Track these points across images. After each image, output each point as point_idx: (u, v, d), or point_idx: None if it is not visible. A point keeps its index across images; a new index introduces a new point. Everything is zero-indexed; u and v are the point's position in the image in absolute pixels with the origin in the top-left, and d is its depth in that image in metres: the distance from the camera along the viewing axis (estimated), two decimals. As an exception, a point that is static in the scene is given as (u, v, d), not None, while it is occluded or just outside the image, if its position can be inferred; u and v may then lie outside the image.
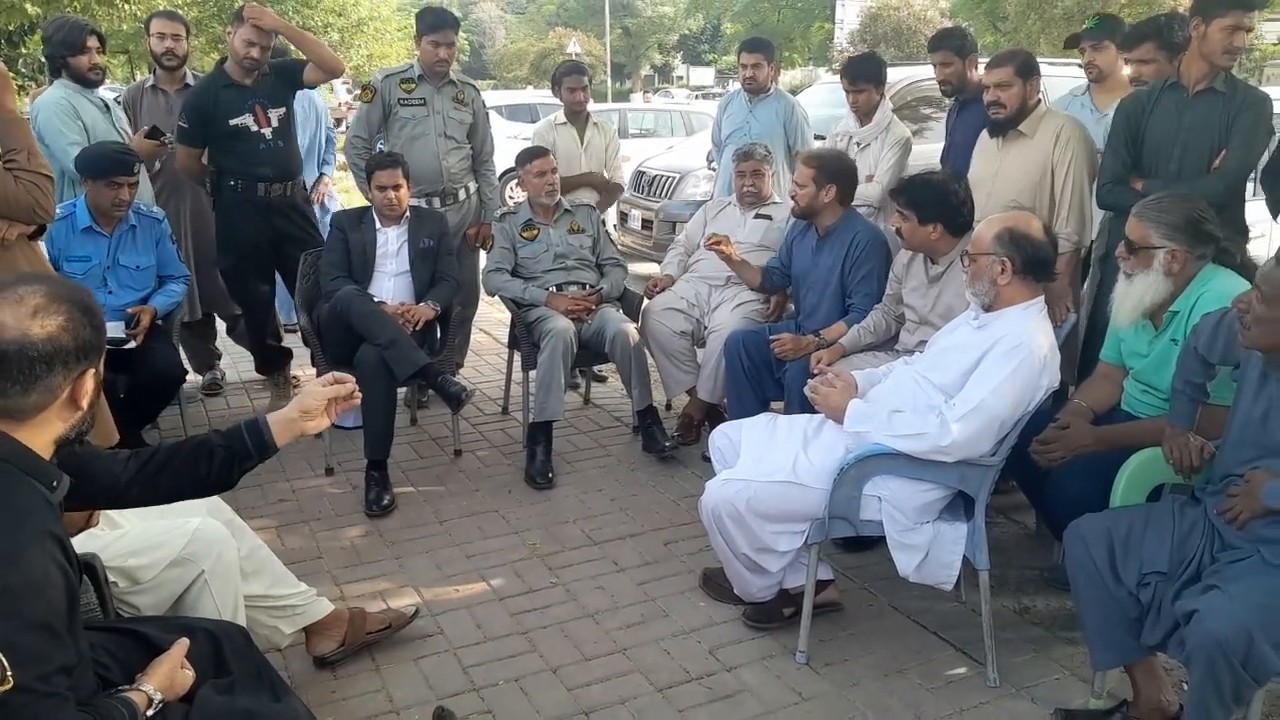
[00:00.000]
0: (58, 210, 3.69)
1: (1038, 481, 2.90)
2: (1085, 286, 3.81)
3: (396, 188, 4.01)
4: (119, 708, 1.51)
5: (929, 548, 2.60)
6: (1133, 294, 2.69)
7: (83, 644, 1.48)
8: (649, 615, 2.95)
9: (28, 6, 10.57)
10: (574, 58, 33.71)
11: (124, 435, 3.78)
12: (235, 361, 5.17)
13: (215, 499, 2.44)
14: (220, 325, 5.06)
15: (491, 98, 18.03)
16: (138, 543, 2.08)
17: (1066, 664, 2.69)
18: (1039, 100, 3.63)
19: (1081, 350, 3.61)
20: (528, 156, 4.31)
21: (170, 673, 1.64)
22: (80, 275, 3.70)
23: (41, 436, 1.48)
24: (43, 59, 10.79)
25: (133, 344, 3.66)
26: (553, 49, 34.89)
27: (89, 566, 1.90)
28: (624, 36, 41.37)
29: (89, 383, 1.51)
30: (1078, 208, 3.54)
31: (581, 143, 4.88)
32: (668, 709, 2.51)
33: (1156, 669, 2.37)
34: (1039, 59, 3.82)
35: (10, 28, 11.83)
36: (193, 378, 4.92)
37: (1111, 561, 2.29)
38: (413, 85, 4.43)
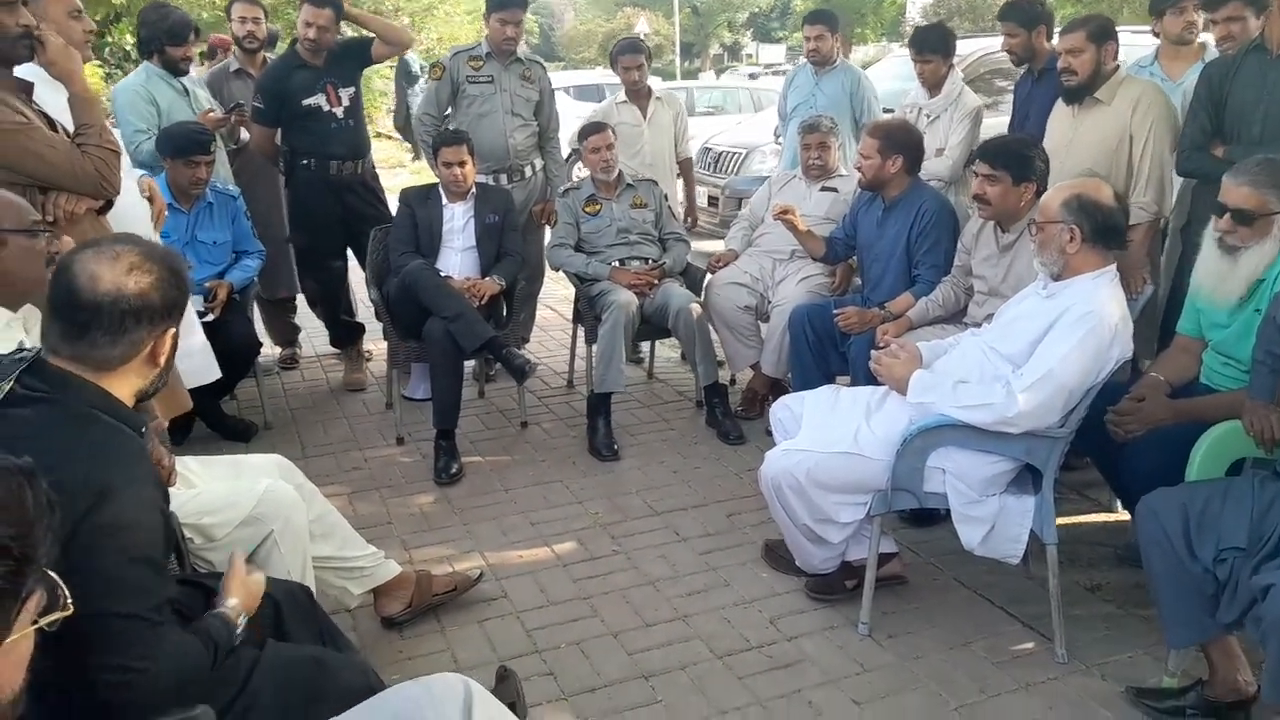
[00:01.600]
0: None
1: (1112, 456, 2.83)
2: (1164, 257, 3.69)
3: (462, 164, 4.06)
4: (218, 624, 1.61)
5: (995, 521, 2.56)
6: (1244, 267, 2.53)
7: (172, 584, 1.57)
8: (710, 584, 2.96)
9: (114, -2, 10.93)
10: (642, 37, 33.54)
11: (202, 405, 3.95)
12: (311, 336, 5.31)
13: (287, 462, 2.52)
14: (300, 300, 5.19)
15: (560, 78, 18.08)
16: (211, 502, 2.16)
17: (1140, 642, 2.63)
18: (1117, 66, 3.51)
19: (1161, 323, 3.50)
20: (585, 133, 4.33)
21: (241, 586, 1.73)
22: (163, 251, 3.84)
23: (124, 388, 1.55)
24: (128, 47, 11.16)
25: (210, 317, 3.78)
26: (621, 29, 34.76)
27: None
28: (693, 15, 41.02)
29: (168, 341, 1.59)
30: (1157, 177, 3.42)
31: (645, 118, 4.86)
32: (728, 675, 2.52)
33: (1233, 648, 2.30)
34: (1120, 28, 3.69)
35: (97, 18, 12.24)
36: (272, 351, 5.08)
37: (1186, 536, 2.22)
38: (480, 63, 4.47)
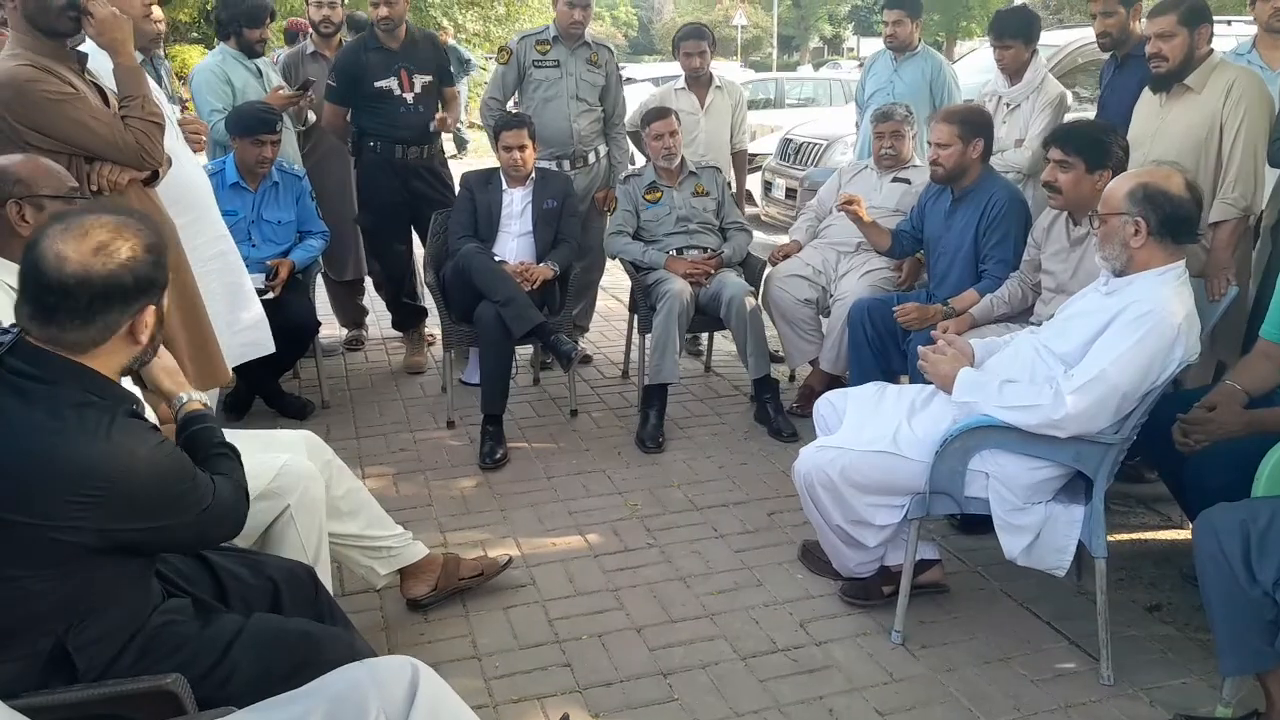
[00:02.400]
0: (208, 167, 3.93)
1: (1178, 468, 2.64)
2: (1254, 256, 3.43)
3: (522, 148, 4.04)
4: (206, 433, 1.77)
5: (1040, 530, 2.41)
6: None
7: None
8: (742, 583, 2.87)
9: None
10: (740, 29, 33.36)
11: (261, 382, 4.03)
12: (379, 319, 5.38)
13: (316, 439, 2.53)
14: (369, 282, 5.26)
15: (654, 69, 18.08)
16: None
17: (1197, 668, 2.45)
18: (1210, 51, 3.27)
19: (1247, 328, 3.26)
20: (649, 118, 4.25)
21: (165, 374, 1.85)
22: (228, 229, 3.92)
23: (106, 365, 1.54)
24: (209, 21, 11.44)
25: (271, 295, 3.85)
26: (719, 21, 34.56)
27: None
28: (793, 8, 40.49)
29: (149, 317, 1.55)
30: (1249, 170, 3.18)
31: (702, 106, 4.76)
32: (749, 677, 2.43)
33: (1294, 679, 2.11)
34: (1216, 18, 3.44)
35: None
36: (338, 332, 5.17)
37: (1246, 556, 2.04)
38: (547, 47, 4.44)
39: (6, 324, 1.55)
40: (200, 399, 1.86)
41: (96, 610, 1.49)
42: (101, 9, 2.49)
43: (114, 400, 1.52)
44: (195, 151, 3.48)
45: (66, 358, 1.49)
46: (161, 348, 1.84)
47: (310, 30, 4.98)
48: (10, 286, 1.80)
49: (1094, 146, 2.93)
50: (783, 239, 4.47)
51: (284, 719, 1.35)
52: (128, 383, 1.69)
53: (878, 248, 3.98)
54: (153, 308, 1.56)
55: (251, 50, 4.38)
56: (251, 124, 3.91)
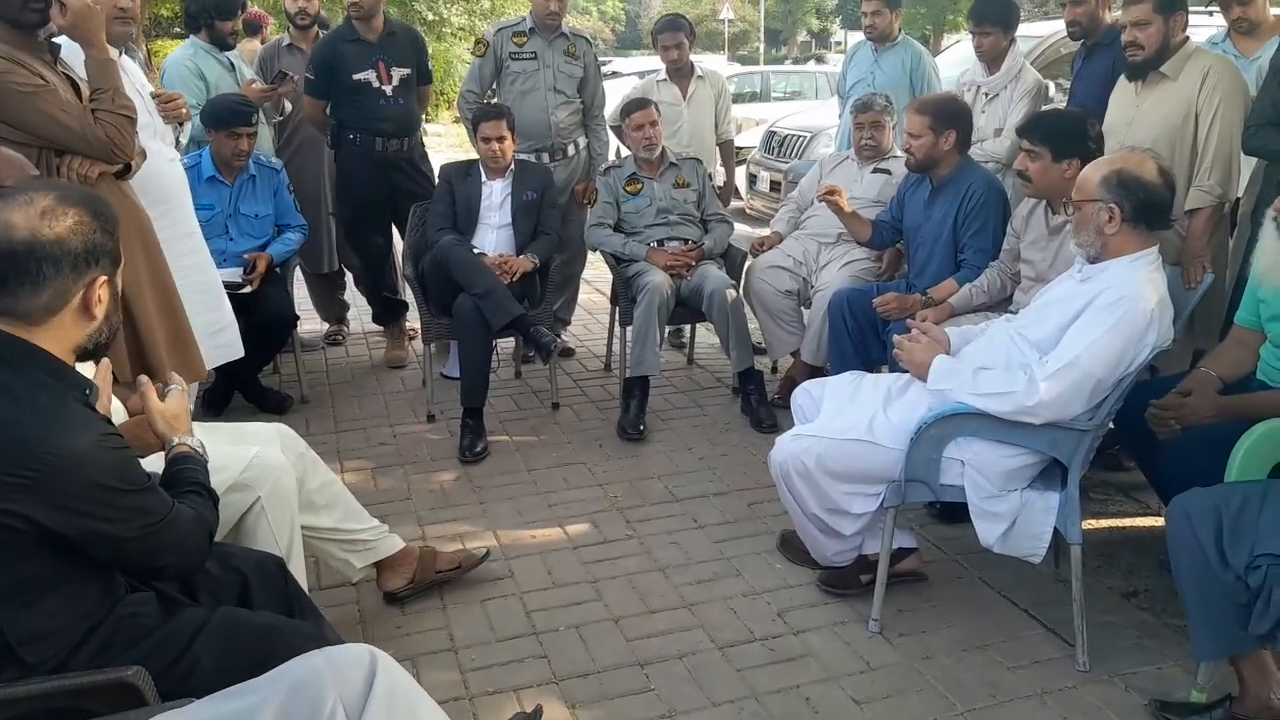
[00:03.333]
0: (184, 161, 3.90)
1: (1152, 454, 2.64)
2: (1232, 243, 3.44)
3: (500, 139, 4.01)
4: (190, 469, 1.73)
5: (1015, 517, 2.41)
6: None
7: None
8: (721, 573, 2.87)
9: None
10: (727, 24, 33.31)
11: (239, 377, 4.01)
12: (360, 313, 5.35)
13: (289, 431, 2.51)
14: (349, 277, 5.23)
15: (640, 63, 18.04)
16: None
17: (1172, 653, 2.45)
18: (1185, 39, 3.28)
19: (1226, 315, 3.27)
20: (628, 110, 4.23)
21: (162, 418, 1.78)
22: (204, 223, 3.88)
23: (59, 344, 1.52)
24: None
25: (248, 289, 3.82)
26: (706, 15, 34.52)
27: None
28: (781, 1, 40.49)
29: (101, 291, 1.54)
30: (1224, 157, 3.18)
31: (685, 97, 4.74)
32: (725, 667, 2.43)
33: (1266, 663, 2.12)
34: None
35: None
36: (319, 327, 5.14)
37: (1219, 541, 2.04)
38: (524, 39, 4.42)
39: None
40: (194, 444, 1.80)
41: (37, 602, 1.46)
42: (76, 1, 2.45)
43: (66, 384, 1.50)
44: (180, 124, 3.45)
45: (21, 339, 1.47)
46: (177, 391, 1.86)
47: (266, 23, 4.93)
48: None
49: (1060, 136, 2.93)
50: (767, 231, 4.46)
51: (241, 707, 1.33)
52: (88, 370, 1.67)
53: (858, 238, 3.98)
54: (105, 279, 1.54)
55: (223, 43, 4.35)
56: (226, 116, 3.88)
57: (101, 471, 1.45)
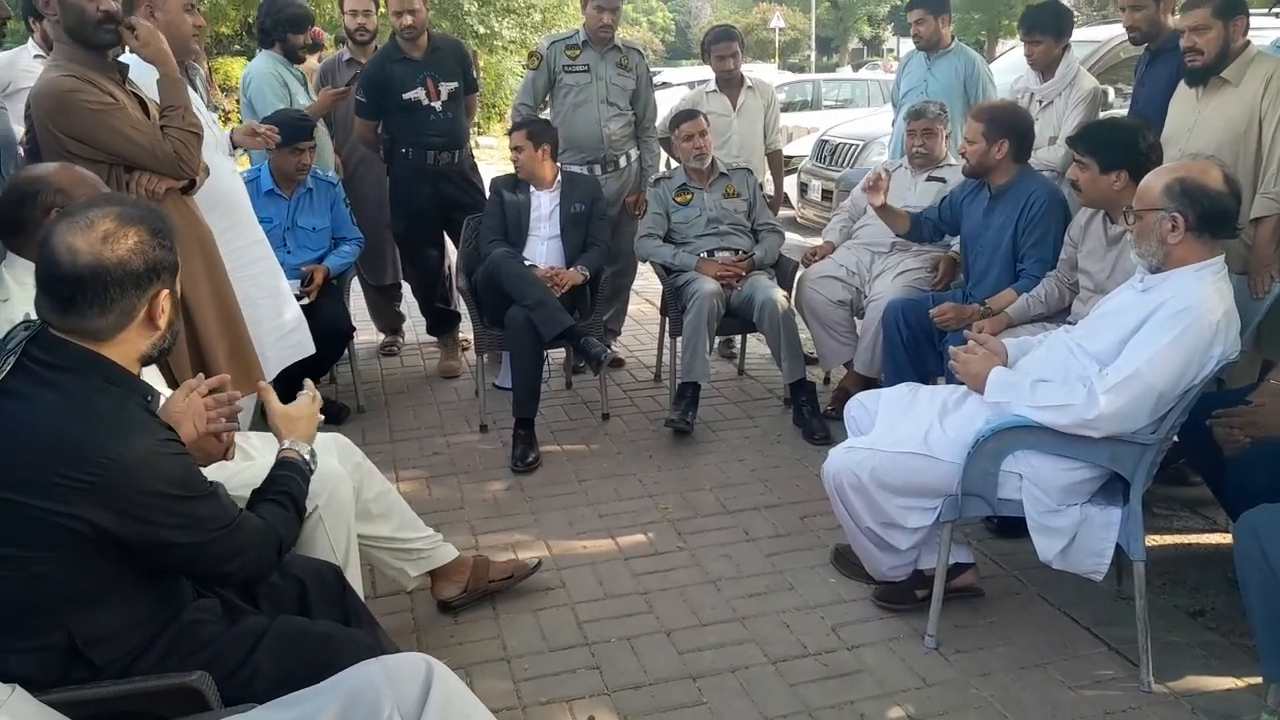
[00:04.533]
0: (244, 174, 4.00)
1: (1220, 470, 2.57)
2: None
3: (518, 149, 4.09)
4: (285, 477, 1.79)
5: (1075, 532, 2.36)
6: None
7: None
8: (773, 587, 2.85)
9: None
10: (778, 32, 33.20)
11: (295, 388, 4.07)
12: (416, 324, 5.42)
13: (346, 441, 2.56)
14: (406, 288, 5.30)
15: (690, 73, 18.07)
16: (260, 475, 2.19)
17: (1242, 674, 2.38)
18: (1246, 43, 3.20)
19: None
20: (677, 120, 4.25)
21: (286, 419, 1.91)
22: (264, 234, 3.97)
23: (124, 354, 1.56)
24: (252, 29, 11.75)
25: (306, 300, 3.89)
26: (757, 24, 34.47)
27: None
28: (831, 9, 40.26)
29: (164, 302, 1.58)
30: (1292, 163, 3.10)
31: (734, 108, 4.74)
32: (778, 681, 2.41)
33: (1342, 686, 2.05)
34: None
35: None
36: (375, 337, 5.22)
37: (1289, 559, 1.99)
38: (577, 51, 4.45)
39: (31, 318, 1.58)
40: (303, 452, 1.89)
41: (102, 604, 1.50)
42: (145, 23, 2.53)
43: (127, 390, 1.54)
44: (270, 150, 3.65)
45: (86, 348, 1.51)
46: (306, 397, 1.99)
47: (323, 40, 5.05)
48: (27, 287, 1.84)
49: (1108, 148, 2.88)
50: (819, 241, 4.43)
51: (300, 714, 1.35)
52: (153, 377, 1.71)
53: (895, 230, 3.92)
54: (166, 291, 1.58)
55: (295, 55, 4.49)
56: (290, 132, 3.96)
57: (159, 476, 1.48)
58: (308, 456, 1.89)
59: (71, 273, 1.47)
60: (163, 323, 1.59)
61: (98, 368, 1.52)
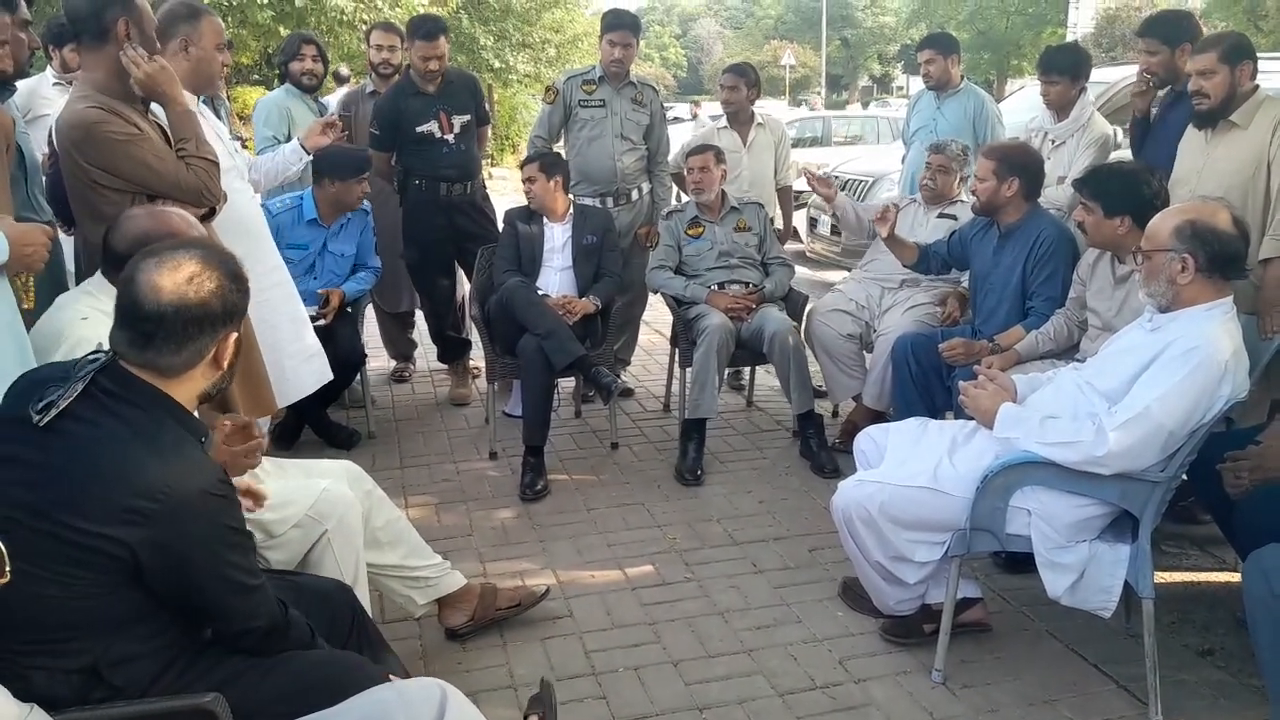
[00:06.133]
0: (286, 201, 4.07)
1: (1229, 509, 2.58)
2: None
3: (530, 181, 4.16)
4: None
5: (1084, 569, 2.37)
6: None
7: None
8: (781, 619, 2.85)
9: (280, 29, 11.75)
10: (789, 69, 33.57)
11: (309, 412, 4.10)
12: (427, 351, 5.45)
13: (357, 468, 2.58)
14: (418, 316, 5.33)
15: (707, 110, 18.23)
16: (273, 499, 2.22)
17: (1251, 714, 2.37)
18: (1255, 87, 3.24)
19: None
20: (689, 154, 4.32)
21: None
22: (295, 262, 4.01)
23: (187, 392, 1.60)
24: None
25: (323, 322, 3.93)
26: (768, 62, 34.82)
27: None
28: (842, 48, 40.71)
29: (231, 345, 1.62)
30: (1300, 205, 3.12)
31: (745, 144, 4.80)
32: (785, 714, 2.41)
33: (1352, 729, 2.04)
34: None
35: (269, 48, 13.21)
36: (387, 364, 5.26)
37: (1298, 599, 1.99)
38: (593, 87, 4.52)
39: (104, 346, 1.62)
40: None
41: (131, 630, 1.51)
42: (139, 71, 2.57)
43: (187, 429, 1.57)
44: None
45: (152, 384, 1.54)
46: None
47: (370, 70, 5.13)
48: (105, 314, 1.87)
49: (1112, 193, 2.93)
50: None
51: (315, 738, 1.37)
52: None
53: (903, 260, 3.95)
54: (235, 335, 1.62)
55: (299, 84, 4.59)
56: (359, 164, 4.07)
57: (208, 518, 1.50)
58: None
59: (154, 311, 1.51)
60: (226, 364, 1.63)
61: (162, 404, 1.55)
